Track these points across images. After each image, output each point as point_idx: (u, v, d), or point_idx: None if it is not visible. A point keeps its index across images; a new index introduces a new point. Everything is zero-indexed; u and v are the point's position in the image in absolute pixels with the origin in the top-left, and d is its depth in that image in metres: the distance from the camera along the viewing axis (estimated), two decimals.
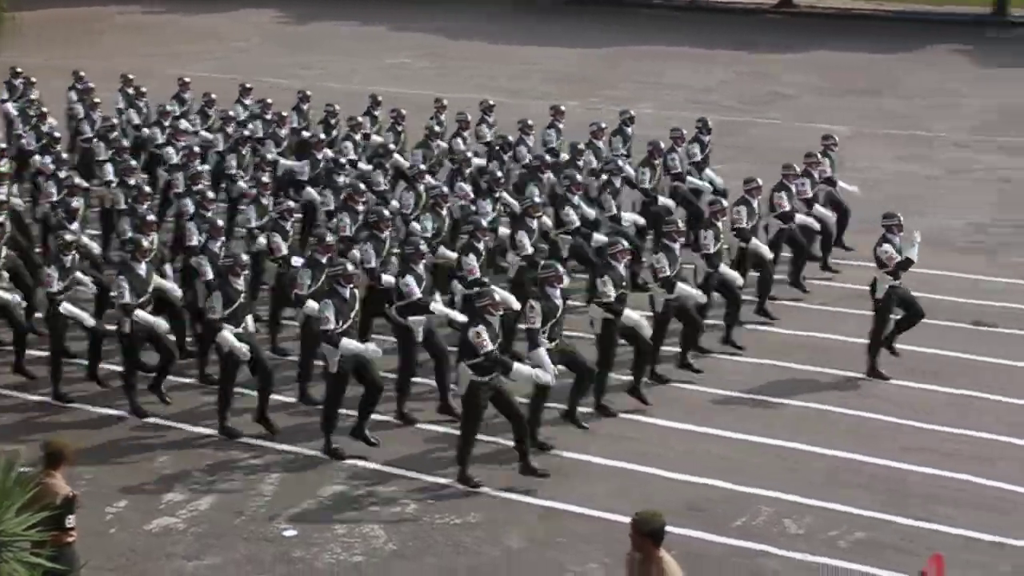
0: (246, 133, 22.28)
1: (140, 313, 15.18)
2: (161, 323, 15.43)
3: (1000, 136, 29.56)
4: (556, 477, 13.89)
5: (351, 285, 14.42)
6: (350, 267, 14.61)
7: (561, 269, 14.74)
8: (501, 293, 14.90)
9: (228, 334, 14.55)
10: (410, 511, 13.32)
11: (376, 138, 22.80)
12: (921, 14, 45.16)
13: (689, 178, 20.75)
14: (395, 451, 14.48)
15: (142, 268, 15.46)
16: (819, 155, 20.24)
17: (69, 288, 15.96)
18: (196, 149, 21.14)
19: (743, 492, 13.75)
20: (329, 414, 14.40)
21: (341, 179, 19.70)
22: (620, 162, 20.57)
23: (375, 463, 14.26)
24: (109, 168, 20.35)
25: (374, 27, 44.60)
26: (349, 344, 14.15)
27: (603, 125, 21.99)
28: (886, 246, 16.39)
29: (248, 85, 25.43)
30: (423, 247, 15.71)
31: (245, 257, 15.25)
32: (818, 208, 19.49)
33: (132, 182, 19.29)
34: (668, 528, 9.15)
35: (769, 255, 18.11)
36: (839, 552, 12.68)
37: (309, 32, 44.32)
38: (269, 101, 23.90)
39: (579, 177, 19.33)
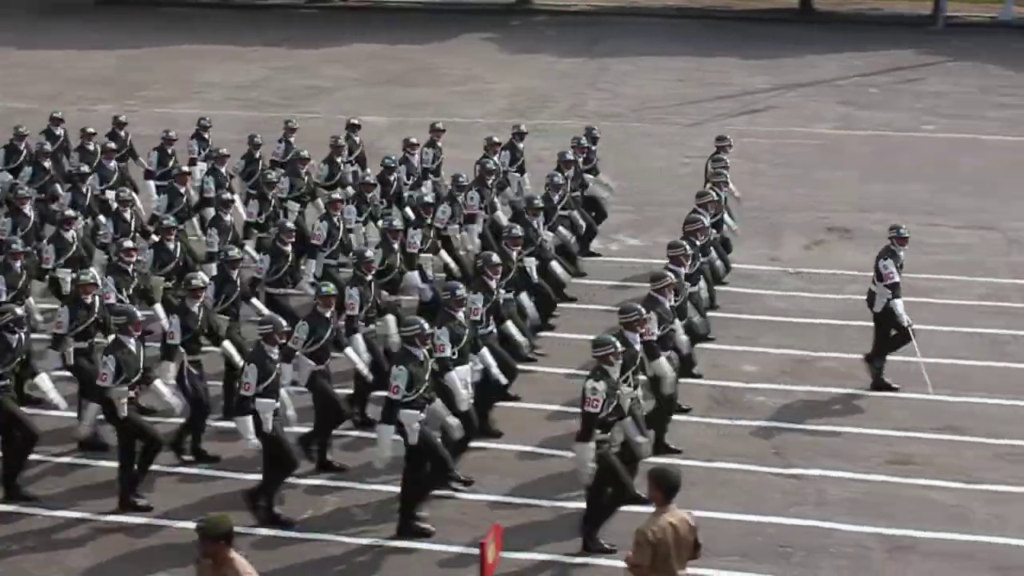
0: (84, 168, 19.82)
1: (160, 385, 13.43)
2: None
3: (528, 119, 30.92)
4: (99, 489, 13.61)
5: (426, 346, 13.05)
6: (427, 326, 13.09)
7: (644, 312, 13.70)
8: None
9: (253, 417, 12.88)
10: None
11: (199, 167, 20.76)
12: (451, 4, 46.52)
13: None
14: None
15: (132, 343, 13.40)
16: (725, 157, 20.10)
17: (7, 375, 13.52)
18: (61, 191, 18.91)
19: (311, 484, 13.95)
20: (413, 494, 12.97)
21: (228, 219, 17.85)
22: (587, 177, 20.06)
23: None
24: None
25: None
26: (437, 406, 12.96)
27: (496, 139, 21.22)
28: (889, 261, 16.26)
29: (58, 114, 22.71)
30: (460, 292, 14.21)
31: (285, 323, 13.54)
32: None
33: None
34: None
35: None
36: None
37: None
38: (91, 131, 21.57)
39: (537, 200, 18.07)
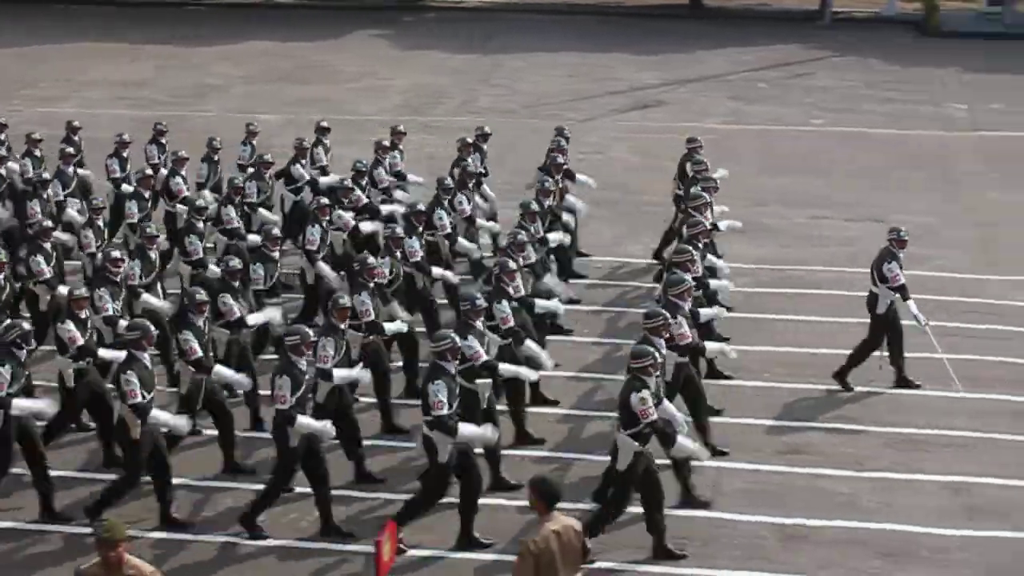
0: (46, 175, 19.37)
1: (158, 414, 12.91)
2: (180, 425, 13.21)
3: (422, 116, 30.95)
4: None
5: (456, 360, 12.80)
6: (458, 339, 12.89)
7: (669, 317, 13.56)
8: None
9: (305, 419, 12.65)
10: None
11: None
12: (343, 1, 46.23)
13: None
14: None
15: (147, 358, 13.01)
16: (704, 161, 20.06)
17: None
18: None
19: (195, 485, 13.94)
20: (418, 508, 12.81)
21: (200, 225, 17.57)
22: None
23: None
24: None
25: None
26: (467, 430, 12.63)
27: (469, 140, 21.01)
28: (893, 263, 16.24)
29: (1, 120, 22.18)
30: (480, 302, 14.01)
31: (313, 334, 13.21)
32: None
33: None
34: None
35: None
36: (302, 532, 13.16)
37: None
38: (37, 136, 21.09)
39: (534, 205, 17.82)
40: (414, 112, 31.39)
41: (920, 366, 16.83)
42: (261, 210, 19.43)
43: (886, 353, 16.60)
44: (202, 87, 34.23)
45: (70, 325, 14.04)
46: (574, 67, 36.90)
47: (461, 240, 18.02)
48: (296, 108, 31.14)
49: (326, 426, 12.80)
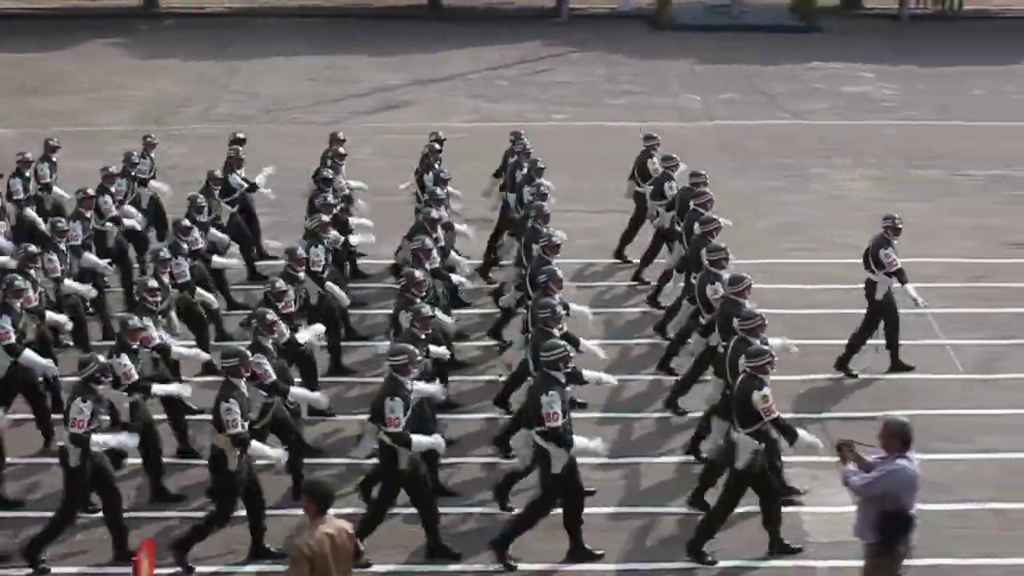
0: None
1: (256, 445, 12.57)
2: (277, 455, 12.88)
3: (163, 126, 30.41)
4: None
5: (568, 369, 12.82)
6: (571, 349, 12.87)
7: (764, 319, 13.70)
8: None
9: (417, 437, 12.58)
10: None
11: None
12: (75, 10, 45.09)
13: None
14: None
15: (243, 385, 12.69)
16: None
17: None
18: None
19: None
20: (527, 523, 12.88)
21: (185, 246, 17.03)
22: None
23: None
24: None
25: None
26: (581, 441, 12.59)
27: (438, 147, 20.71)
28: (889, 249, 16.70)
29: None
30: (560, 310, 14.11)
31: (418, 352, 13.01)
32: None
33: None
34: None
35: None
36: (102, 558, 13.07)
37: None
38: None
39: (546, 208, 17.69)
40: (154, 121, 30.83)
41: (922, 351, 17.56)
42: (213, 230, 18.90)
43: (881, 341, 17.25)
44: None
45: (125, 359, 13.76)
46: (315, 70, 36.80)
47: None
48: (32, 121, 30.24)
49: (436, 439, 12.89)
